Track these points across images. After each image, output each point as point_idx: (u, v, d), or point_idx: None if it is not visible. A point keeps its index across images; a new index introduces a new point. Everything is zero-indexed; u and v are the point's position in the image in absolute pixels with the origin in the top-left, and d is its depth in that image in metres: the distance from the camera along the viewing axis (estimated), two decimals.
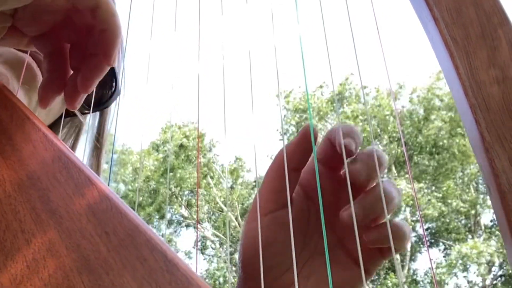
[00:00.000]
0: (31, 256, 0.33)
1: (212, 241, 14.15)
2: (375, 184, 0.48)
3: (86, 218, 0.35)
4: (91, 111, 0.69)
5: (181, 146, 13.83)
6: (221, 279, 13.28)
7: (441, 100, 12.99)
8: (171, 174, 13.37)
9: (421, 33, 0.45)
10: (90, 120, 0.75)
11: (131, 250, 0.34)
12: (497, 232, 12.38)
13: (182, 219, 14.28)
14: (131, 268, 0.33)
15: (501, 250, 11.52)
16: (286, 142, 0.54)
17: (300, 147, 0.50)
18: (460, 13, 0.42)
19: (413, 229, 13.36)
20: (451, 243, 12.63)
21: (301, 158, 0.50)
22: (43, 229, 0.34)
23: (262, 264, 0.41)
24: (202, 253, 13.76)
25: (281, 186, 0.50)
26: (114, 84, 0.69)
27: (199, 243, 14.04)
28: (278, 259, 0.49)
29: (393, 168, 12.88)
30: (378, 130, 12.86)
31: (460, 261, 12.12)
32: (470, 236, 12.44)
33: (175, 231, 14.22)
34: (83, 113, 0.71)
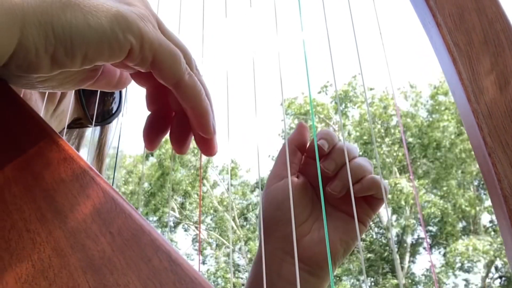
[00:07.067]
0: (36, 256, 0.33)
1: (208, 243, 14.16)
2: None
3: (91, 218, 0.35)
4: (93, 125, 0.67)
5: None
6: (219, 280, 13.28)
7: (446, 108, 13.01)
8: (166, 177, 13.36)
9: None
10: (91, 134, 0.73)
11: (135, 250, 0.34)
12: (494, 232, 12.38)
13: (176, 220, 14.29)
14: (136, 268, 0.33)
15: (500, 250, 11.51)
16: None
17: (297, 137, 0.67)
18: (463, 19, 0.42)
19: (413, 230, 13.40)
20: (450, 242, 12.62)
21: (300, 143, 0.66)
22: (48, 229, 0.34)
23: (282, 217, 0.61)
24: (201, 255, 13.77)
25: (291, 160, 0.65)
26: (119, 99, 0.68)
27: (196, 245, 14.03)
28: (294, 211, 0.61)
29: (395, 170, 12.88)
30: (382, 131, 12.85)
31: (459, 261, 12.13)
32: (469, 236, 12.43)
33: (170, 233, 14.22)
34: (84, 127, 0.69)
